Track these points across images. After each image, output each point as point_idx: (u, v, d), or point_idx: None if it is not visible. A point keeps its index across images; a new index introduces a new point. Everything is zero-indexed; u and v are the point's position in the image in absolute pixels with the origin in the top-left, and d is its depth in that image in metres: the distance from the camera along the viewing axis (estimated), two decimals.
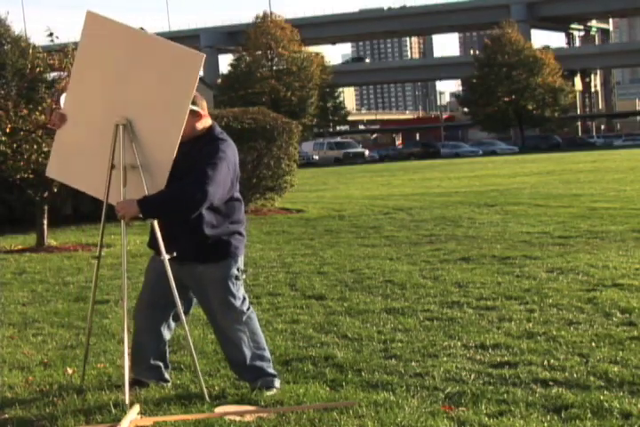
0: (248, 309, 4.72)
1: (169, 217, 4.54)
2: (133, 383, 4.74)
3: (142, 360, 4.82)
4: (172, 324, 4.85)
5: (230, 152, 4.57)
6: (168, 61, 4.47)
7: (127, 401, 4.43)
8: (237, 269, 4.67)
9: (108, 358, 5.56)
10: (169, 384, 4.84)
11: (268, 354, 4.80)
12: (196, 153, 4.51)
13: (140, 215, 4.45)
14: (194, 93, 4.48)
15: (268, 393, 4.58)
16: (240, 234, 4.69)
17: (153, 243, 4.68)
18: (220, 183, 4.43)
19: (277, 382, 4.72)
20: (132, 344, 4.82)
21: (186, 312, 4.79)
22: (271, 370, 4.76)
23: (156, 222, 4.56)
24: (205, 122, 4.64)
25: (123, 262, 4.81)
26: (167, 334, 4.85)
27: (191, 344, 4.73)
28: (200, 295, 4.72)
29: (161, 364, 4.87)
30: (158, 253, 4.59)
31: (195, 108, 4.52)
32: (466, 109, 77.45)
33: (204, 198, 4.37)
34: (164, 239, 4.53)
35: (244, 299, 4.72)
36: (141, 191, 4.54)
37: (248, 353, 4.67)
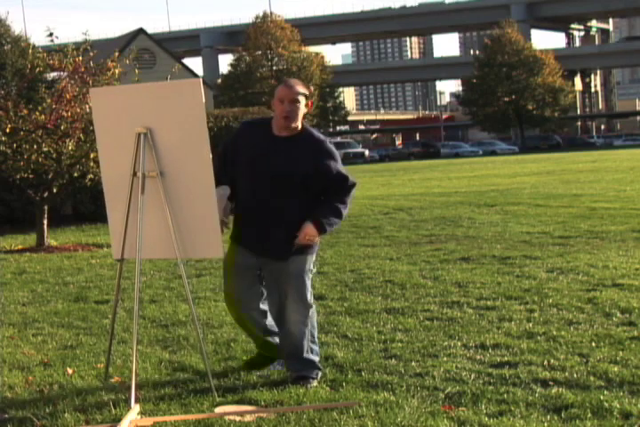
0: (313, 304, 4.92)
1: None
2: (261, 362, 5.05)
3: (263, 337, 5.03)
4: (265, 307, 5.02)
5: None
6: (171, 97, 4.74)
7: (133, 401, 4.44)
8: (312, 264, 4.91)
9: None
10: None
11: (318, 348, 4.97)
12: (308, 158, 4.72)
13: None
14: (204, 114, 4.68)
15: (309, 385, 4.70)
16: None
17: (243, 239, 4.85)
18: None
19: (320, 375, 4.86)
20: (248, 327, 5.03)
21: (261, 305, 5.00)
22: (319, 364, 4.91)
23: (170, 222, 4.70)
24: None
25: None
26: (267, 315, 5.01)
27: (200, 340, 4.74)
28: (275, 287, 4.85)
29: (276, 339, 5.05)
30: (252, 249, 4.82)
31: (310, 93, 4.76)
32: (473, 109, 76.98)
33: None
34: (253, 238, 4.79)
35: (312, 293, 4.92)
36: (159, 198, 4.69)
37: (306, 346, 4.84)
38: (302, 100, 4.70)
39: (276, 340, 5.02)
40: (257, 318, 4.96)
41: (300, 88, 4.72)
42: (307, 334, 4.83)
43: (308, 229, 4.69)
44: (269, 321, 4.99)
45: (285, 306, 4.82)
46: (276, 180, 4.71)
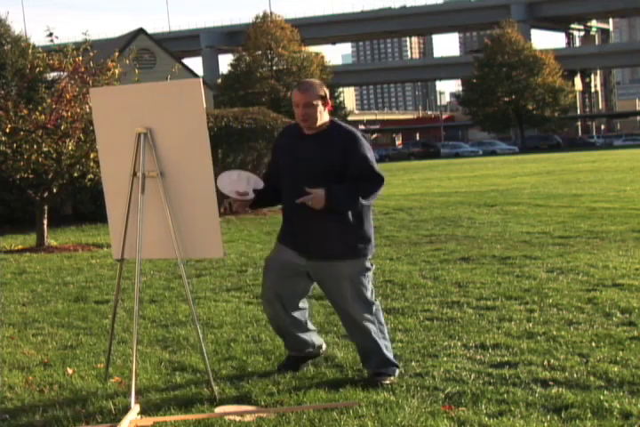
0: (376, 300, 4.92)
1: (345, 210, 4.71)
2: (292, 362, 5.07)
3: (290, 338, 5.04)
4: (303, 304, 5.01)
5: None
6: (171, 97, 4.76)
7: (133, 401, 4.44)
8: (369, 263, 4.87)
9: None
10: (323, 348, 5.19)
11: (389, 344, 4.98)
12: (337, 147, 4.69)
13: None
14: (204, 114, 4.71)
15: (385, 382, 4.72)
16: (373, 228, 4.91)
17: (288, 238, 4.89)
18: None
19: (397, 372, 4.86)
20: (274, 327, 5.08)
21: (299, 303, 4.97)
22: (394, 360, 4.92)
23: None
24: (327, 113, 4.82)
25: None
26: (303, 314, 5.02)
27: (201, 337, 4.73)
28: (333, 288, 4.84)
29: (308, 337, 5.06)
30: (293, 248, 4.83)
31: (325, 94, 4.75)
32: (473, 109, 76.74)
33: (380, 191, 4.74)
34: (298, 238, 4.80)
35: (373, 291, 4.91)
36: (159, 198, 4.70)
37: (380, 342, 4.85)
38: (318, 102, 4.69)
39: (303, 337, 5.02)
40: (281, 317, 4.94)
41: (314, 91, 4.70)
42: (374, 329, 4.84)
43: (315, 195, 4.58)
44: (295, 321, 4.97)
45: (348, 308, 4.82)
46: (313, 172, 4.69)
